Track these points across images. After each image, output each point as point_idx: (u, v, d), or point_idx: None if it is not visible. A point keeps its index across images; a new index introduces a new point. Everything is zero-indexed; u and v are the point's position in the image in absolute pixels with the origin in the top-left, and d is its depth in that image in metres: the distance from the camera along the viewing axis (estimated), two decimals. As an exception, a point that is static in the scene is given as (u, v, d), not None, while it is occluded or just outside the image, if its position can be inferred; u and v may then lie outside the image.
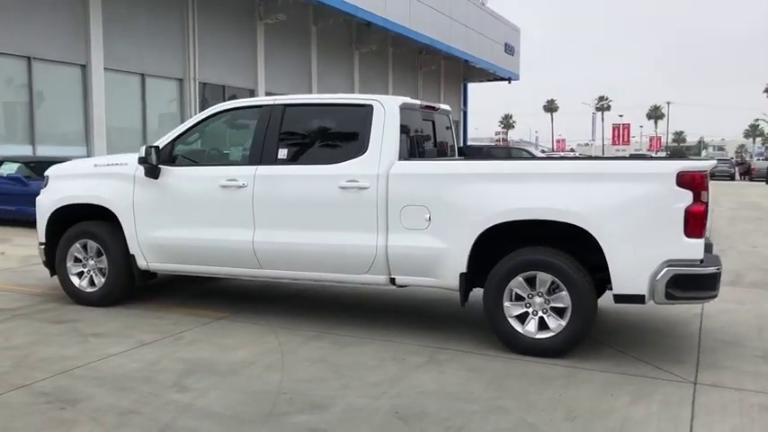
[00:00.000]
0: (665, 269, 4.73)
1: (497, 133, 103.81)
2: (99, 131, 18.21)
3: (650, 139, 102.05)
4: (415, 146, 5.95)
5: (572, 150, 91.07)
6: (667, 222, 4.75)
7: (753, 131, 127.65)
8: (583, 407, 4.14)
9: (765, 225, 14.69)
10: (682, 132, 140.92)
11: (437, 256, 5.30)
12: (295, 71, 26.23)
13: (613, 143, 73.48)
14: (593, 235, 4.85)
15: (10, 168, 13.64)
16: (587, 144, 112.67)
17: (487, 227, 5.10)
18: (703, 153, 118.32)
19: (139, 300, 6.74)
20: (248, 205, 5.82)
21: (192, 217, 6.05)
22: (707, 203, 4.77)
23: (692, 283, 4.77)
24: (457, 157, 6.92)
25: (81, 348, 5.25)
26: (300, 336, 5.60)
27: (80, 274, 6.61)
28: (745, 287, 7.75)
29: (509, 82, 41.22)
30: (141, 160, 6.03)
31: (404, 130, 5.66)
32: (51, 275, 6.87)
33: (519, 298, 5.14)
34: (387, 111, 5.60)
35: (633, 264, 4.81)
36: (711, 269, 4.80)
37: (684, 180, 4.70)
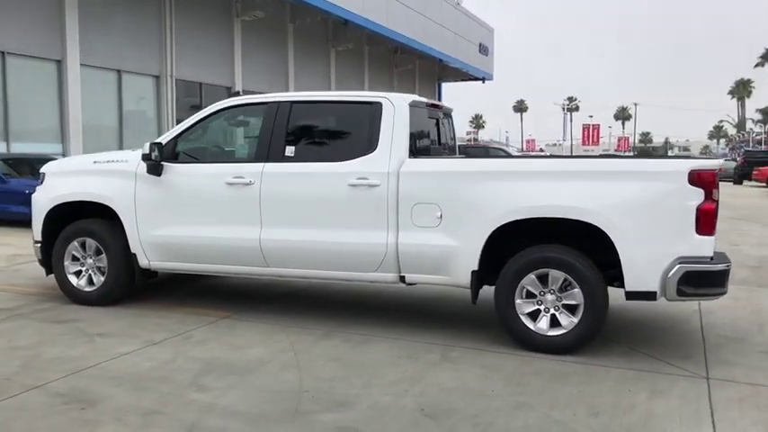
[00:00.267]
0: (677, 266, 4.81)
1: (468, 133, 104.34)
2: (75, 128, 17.88)
3: (618, 140, 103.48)
4: (423, 144, 5.95)
5: (541, 150, 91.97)
6: (679, 220, 4.82)
7: (717, 133, 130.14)
8: (604, 402, 4.18)
9: (741, 224, 15.00)
10: (648, 133, 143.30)
11: (448, 253, 5.31)
12: (272, 69, 26.08)
13: (583, 143, 74.40)
14: (606, 232, 4.91)
15: (-13, 166, 13.33)
16: (555, 144, 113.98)
17: (501, 224, 5.12)
18: (669, 153, 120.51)
19: (138, 299, 6.63)
20: (255, 203, 5.77)
21: (197, 215, 5.98)
22: (717, 201, 4.85)
23: (703, 280, 4.85)
24: (458, 154, 6.94)
25: (89, 348, 5.16)
26: (310, 334, 5.57)
27: (78, 273, 6.48)
28: (736, 284, 7.88)
29: (483, 82, 41.47)
30: (145, 157, 5.94)
31: (412, 128, 5.66)
32: (47, 274, 6.72)
33: (530, 295, 5.17)
34: (396, 108, 5.60)
35: (645, 261, 4.87)
36: (721, 266, 4.89)
37: (696, 178, 4.78)
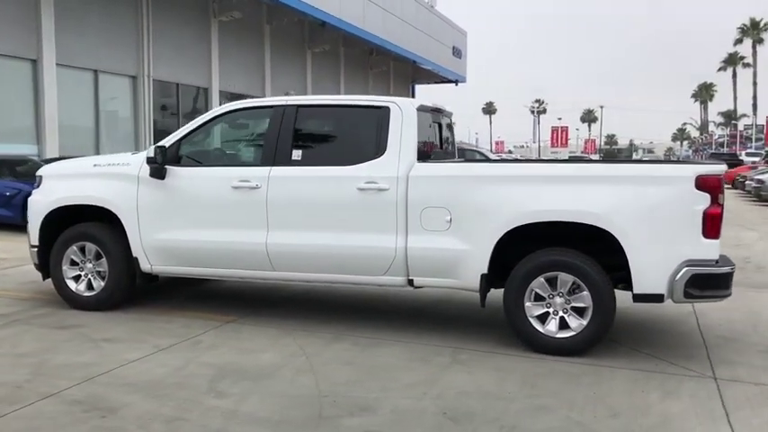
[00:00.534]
0: (685, 269, 4.92)
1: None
2: (51, 129, 17.56)
3: (585, 142, 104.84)
4: (428, 148, 5.99)
5: (510, 152, 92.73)
6: (686, 224, 4.93)
7: (680, 135, 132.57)
8: (620, 403, 4.26)
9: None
10: (614, 135, 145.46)
11: (458, 257, 5.35)
12: (249, 69, 25.93)
13: (552, 145, 75.03)
14: (616, 236, 4.99)
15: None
16: (523, 146, 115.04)
17: (511, 228, 5.18)
18: (634, 155, 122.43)
19: (138, 304, 6.56)
20: (262, 206, 5.75)
21: (202, 218, 5.94)
22: (723, 206, 4.97)
23: (709, 283, 4.97)
24: (457, 158, 7.00)
25: (97, 354, 5.09)
26: (319, 338, 5.57)
27: (77, 278, 6.39)
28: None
29: (456, 84, 41.73)
30: (150, 160, 5.88)
31: (419, 132, 5.69)
32: (44, 279, 6.62)
33: (539, 298, 5.24)
34: (404, 113, 5.63)
35: (654, 264, 4.97)
36: (726, 269, 5.01)
37: (703, 183, 4.89)
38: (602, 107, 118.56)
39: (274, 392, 4.37)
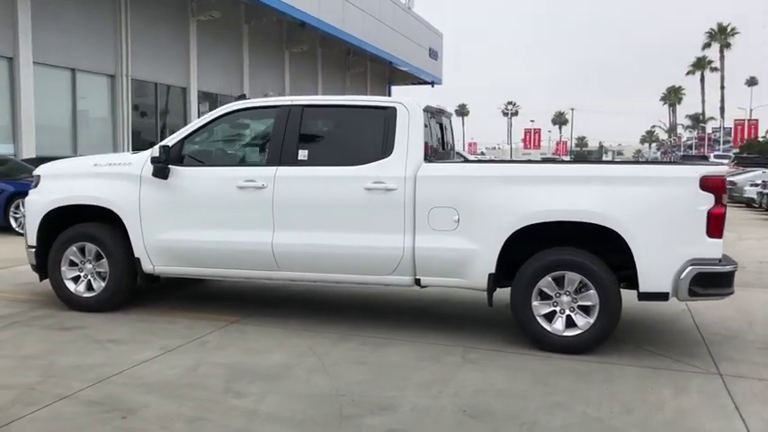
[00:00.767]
0: (689, 268, 5.02)
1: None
2: (27, 128, 17.26)
3: (556, 144, 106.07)
4: (433, 148, 6.02)
5: (482, 153, 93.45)
6: (691, 223, 5.04)
7: (649, 137, 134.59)
8: (633, 400, 4.34)
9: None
10: (584, 137, 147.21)
11: (466, 257, 5.40)
12: (227, 69, 25.76)
13: (525, 147, 76.10)
14: (622, 236, 5.08)
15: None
16: (495, 148, 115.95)
17: (519, 227, 5.24)
18: (604, 157, 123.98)
19: (137, 304, 6.50)
20: (268, 206, 5.73)
21: (206, 218, 5.90)
22: (726, 206, 5.09)
23: (713, 281, 5.08)
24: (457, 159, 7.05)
25: (105, 356, 5.04)
26: (325, 338, 5.57)
27: (76, 279, 6.31)
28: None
29: (432, 86, 41.90)
30: (155, 160, 5.83)
31: (425, 132, 5.74)
32: (41, 280, 6.52)
33: (546, 297, 5.31)
34: (411, 113, 5.66)
35: (659, 263, 5.07)
36: (729, 267, 5.13)
37: (707, 184, 5.01)
38: (572, 109, 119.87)
39: (291, 392, 4.37)
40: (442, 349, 5.34)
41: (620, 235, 5.09)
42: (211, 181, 5.93)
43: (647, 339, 5.73)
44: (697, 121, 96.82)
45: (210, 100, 25.11)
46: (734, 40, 70.97)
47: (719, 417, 4.10)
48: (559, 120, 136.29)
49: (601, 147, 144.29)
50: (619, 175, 5.27)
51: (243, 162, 6.43)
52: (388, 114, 5.68)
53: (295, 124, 5.83)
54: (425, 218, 5.47)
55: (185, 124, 23.57)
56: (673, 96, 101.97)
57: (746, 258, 10.41)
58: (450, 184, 5.47)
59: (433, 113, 6.21)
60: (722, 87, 69.07)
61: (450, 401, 4.26)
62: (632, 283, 5.29)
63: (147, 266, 6.10)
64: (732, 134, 61.00)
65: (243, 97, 6.29)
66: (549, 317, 5.31)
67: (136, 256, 6.08)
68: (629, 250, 5.10)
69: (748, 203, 23.71)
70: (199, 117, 23.42)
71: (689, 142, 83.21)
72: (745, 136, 56.58)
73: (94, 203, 6.14)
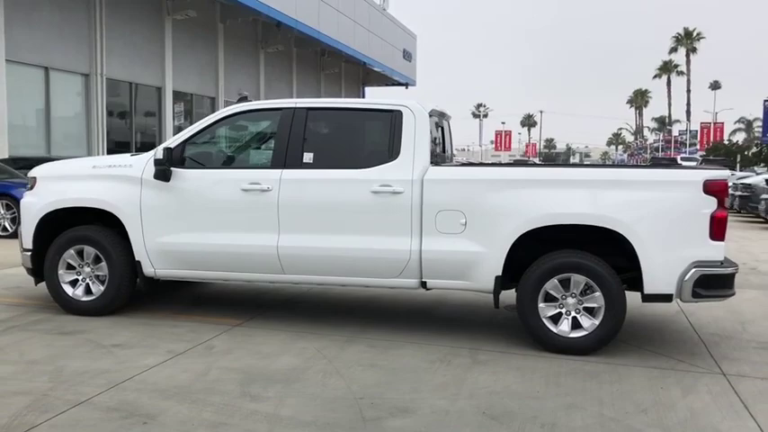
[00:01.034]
0: (693, 270, 5.13)
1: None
2: (0, 128, 16.91)
3: (526, 146, 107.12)
4: (436, 151, 6.06)
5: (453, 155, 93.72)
6: (695, 226, 5.15)
7: (615, 139, 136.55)
8: (645, 400, 4.42)
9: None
10: (552, 140, 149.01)
11: (472, 259, 5.44)
12: (202, 69, 25.53)
13: (496, 149, 76.72)
14: (628, 239, 5.17)
15: None
16: (465, 149, 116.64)
17: (527, 230, 5.30)
18: (571, 159, 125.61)
19: (136, 308, 6.42)
20: (273, 209, 5.71)
21: (209, 221, 5.85)
22: (728, 209, 5.21)
23: (716, 283, 5.20)
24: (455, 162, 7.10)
25: (112, 360, 4.97)
26: (333, 341, 5.57)
27: (73, 283, 6.21)
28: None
29: (406, 87, 42.00)
30: (158, 162, 5.77)
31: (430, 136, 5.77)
32: (36, 284, 6.41)
33: (551, 299, 5.38)
34: (417, 117, 5.69)
35: (664, 265, 5.17)
36: (731, 269, 5.25)
37: (710, 188, 5.12)
38: (541, 112, 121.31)
39: (309, 395, 4.36)
40: (449, 351, 5.38)
41: (625, 238, 5.18)
42: (215, 183, 5.88)
43: (648, 340, 5.83)
44: (663, 123, 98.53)
45: (185, 100, 24.87)
46: (700, 45, 72.44)
47: (730, 416, 4.20)
48: (528, 122, 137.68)
49: (568, 149, 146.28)
50: (625, 179, 5.35)
51: (247, 165, 6.38)
52: (394, 117, 5.70)
53: (300, 127, 5.81)
54: (432, 221, 5.50)
55: (160, 124, 23.32)
56: (639, 99, 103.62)
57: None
58: (458, 188, 5.50)
59: (437, 116, 6.24)
60: (688, 91, 70.49)
61: (467, 403, 4.29)
62: (635, 284, 5.39)
63: (147, 270, 6.03)
64: (698, 137, 62.25)
65: (244, 99, 6.26)
66: (555, 319, 5.38)
67: (137, 259, 6.01)
68: (634, 253, 5.19)
69: None
70: (174, 117, 23.36)
71: (655, 144, 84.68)
72: (711, 139, 57.82)
73: (95, 206, 6.05)
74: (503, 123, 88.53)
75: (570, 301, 5.35)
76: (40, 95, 18.63)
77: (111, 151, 20.33)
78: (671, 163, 41.47)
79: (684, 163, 45.42)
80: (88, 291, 6.19)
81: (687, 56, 72.57)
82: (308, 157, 5.77)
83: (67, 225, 6.28)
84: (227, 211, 5.84)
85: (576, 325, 5.34)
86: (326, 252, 5.67)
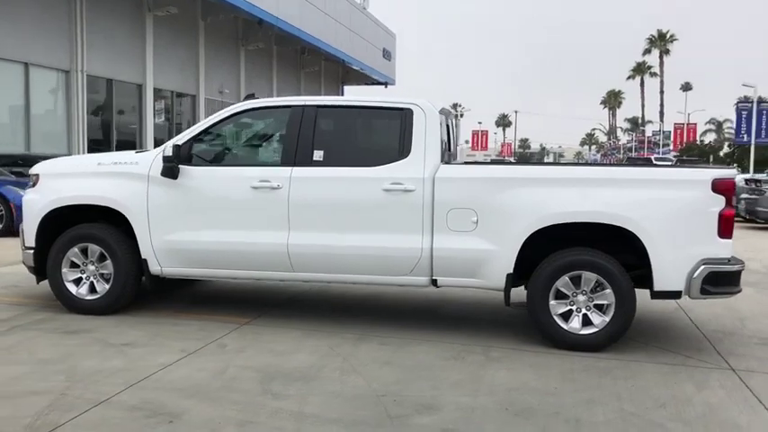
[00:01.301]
0: (702, 267, 5.22)
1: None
2: (-21, 124, 16.61)
3: (502, 146, 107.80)
4: (445, 149, 6.08)
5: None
6: (704, 224, 5.23)
7: (589, 140, 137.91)
8: (662, 395, 4.48)
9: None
10: (527, 140, 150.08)
11: (484, 257, 5.47)
12: (183, 66, 25.28)
13: (473, 148, 77.08)
14: (639, 236, 5.24)
15: None
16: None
17: (538, 228, 5.34)
18: (545, 159, 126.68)
19: (139, 307, 6.35)
20: (283, 207, 5.69)
21: (219, 219, 5.81)
22: (735, 207, 5.30)
23: (723, 280, 5.29)
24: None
25: (125, 359, 4.91)
26: (344, 338, 5.56)
27: (77, 281, 6.12)
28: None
29: (386, 86, 42.01)
30: (168, 159, 5.71)
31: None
32: (38, 282, 6.31)
33: (562, 296, 5.43)
34: (427, 115, 5.71)
35: (674, 262, 5.25)
36: (738, 266, 5.35)
37: (719, 186, 5.21)
38: (516, 112, 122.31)
39: (330, 393, 4.36)
40: (462, 348, 5.40)
41: (636, 235, 5.25)
42: (224, 181, 5.84)
43: (654, 337, 5.91)
44: (636, 124, 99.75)
45: (166, 97, 24.62)
46: (673, 47, 73.48)
47: (747, 410, 4.27)
48: (503, 122, 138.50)
49: (543, 149, 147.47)
50: (635, 178, 5.42)
51: (256, 162, 6.33)
52: (405, 116, 5.71)
53: (309, 125, 5.79)
54: (444, 219, 5.52)
55: (141, 122, 23.07)
56: (613, 100, 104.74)
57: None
58: (469, 186, 5.53)
59: (444, 115, 6.26)
60: (662, 92, 71.49)
61: (489, 400, 4.32)
62: (642, 281, 5.46)
63: (154, 268, 5.96)
64: (671, 137, 63.15)
65: (252, 96, 6.20)
66: (566, 316, 5.43)
67: (143, 257, 5.94)
68: (644, 250, 5.26)
69: None
70: (154, 115, 23.11)
71: (629, 145, 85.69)
72: (685, 139, 58.70)
73: (100, 203, 5.97)
74: (479, 123, 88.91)
75: (581, 298, 5.40)
76: (19, 92, 18.31)
77: (91, 149, 20.05)
78: (646, 162, 42.06)
79: (659, 163, 46.21)
80: (92, 289, 6.10)
81: (660, 57, 73.60)
82: (318, 154, 5.75)
83: (69, 223, 6.18)
84: (237, 208, 5.80)
85: (586, 322, 5.39)
86: (337, 250, 5.66)
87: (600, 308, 5.38)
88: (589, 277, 5.36)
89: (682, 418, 4.10)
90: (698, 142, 56.49)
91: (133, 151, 6.38)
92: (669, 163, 43.75)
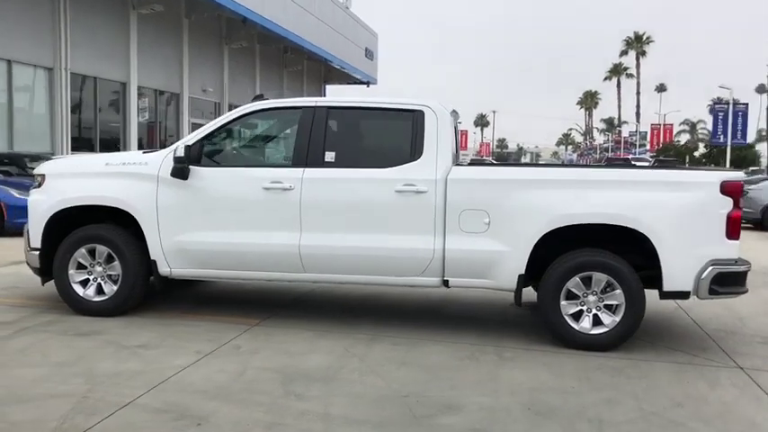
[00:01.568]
0: (710, 267, 5.31)
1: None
2: (-38, 122, 16.32)
3: (480, 146, 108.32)
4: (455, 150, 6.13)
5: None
6: (712, 226, 5.33)
7: (565, 140, 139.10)
8: (677, 394, 4.56)
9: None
10: (504, 139, 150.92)
11: (496, 258, 5.52)
12: (167, 64, 25.03)
13: (452, 148, 77.15)
14: (649, 238, 5.32)
15: None
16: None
17: (550, 229, 5.41)
18: (523, 159, 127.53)
19: (145, 309, 6.31)
20: (295, 208, 5.69)
21: (229, 220, 5.79)
22: (742, 209, 5.41)
23: (730, 280, 5.39)
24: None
25: (141, 362, 4.89)
26: (356, 339, 5.58)
27: (84, 282, 6.06)
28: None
29: (368, 86, 41.98)
30: (179, 160, 5.68)
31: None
32: (43, 284, 6.25)
33: (573, 296, 5.50)
34: (439, 116, 5.75)
35: (683, 263, 5.34)
36: (744, 267, 5.46)
37: (727, 188, 5.31)
38: (494, 112, 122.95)
39: (353, 394, 4.37)
40: (474, 348, 5.45)
41: (646, 236, 5.33)
42: (235, 182, 5.82)
43: (659, 336, 6.00)
44: (611, 124, 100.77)
45: (151, 96, 24.40)
46: (649, 48, 74.36)
47: (763, 408, 4.37)
48: (481, 122, 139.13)
49: (520, 149, 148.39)
50: (646, 180, 5.50)
51: (267, 163, 6.34)
52: (416, 117, 5.74)
53: (320, 126, 5.80)
54: (456, 220, 5.56)
55: (125, 121, 22.80)
56: (589, 101, 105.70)
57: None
58: (482, 187, 5.58)
59: (452, 116, 6.30)
60: (638, 93, 72.37)
61: (511, 400, 4.36)
62: (650, 282, 5.55)
63: (163, 269, 5.93)
64: (648, 138, 63.93)
65: (260, 97, 6.19)
66: (576, 316, 5.50)
67: (152, 258, 5.90)
68: (654, 251, 5.34)
69: None
70: (138, 113, 22.88)
71: (605, 145, 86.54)
72: (661, 140, 59.49)
73: (109, 204, 5.92)
74: (459, 123, 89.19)
75: (591, 298, 5.47)
76: (1, 89, 18.01)
77: (74, 148, 19.81)
78: (625, 163, 42.54)
79: (636, 163, 46.77)
80: (99, 291, 6.05)
81: (637, 59, 74.47)
82: (329, 155, 5.76)
83: (75, 224, 6.12)
84: (248, 209, 5.79)
85: (596, 322, 5.47)
86: (349, 251, 5.68)
87: (610, 308, 5.46)
88: (600, 278, 5.43)
89: (700, 416, 4.18)
90: (674, 142, 57.25)
91: (140, 151, 6.33)
92: (647, 164, 44.41)
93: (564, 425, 4.00)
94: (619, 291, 5.40)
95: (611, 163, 43.08)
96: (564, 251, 5.56)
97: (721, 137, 37.84)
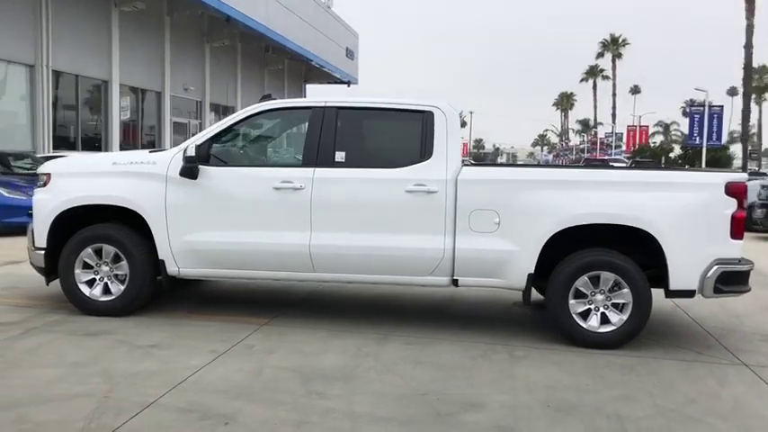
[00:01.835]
0: (715, 267, 5.43)
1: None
2: (-58, 120, 16.03)
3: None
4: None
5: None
6: (717, 226, 5.45)
7: (541, 141, 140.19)
8: (689, 390, 4.65)
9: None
10: (481, 140, 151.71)
11: (505, 258, 5.58)
12: (149, 62, 24.81)
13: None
14: (656, 237, 5.42)
15: None
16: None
17: (560, 229, 5.48)
18: (500, 159, 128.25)
19: (152, 308, 6.27)
20: (306, 208, 5.70)
21: (239, 219, 5.78)
22: (746, 209, 5.54)
23: (735, 279, 5.51)
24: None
25: (156, 361, 4.87)
26: (368, 338, 5.61)
27: (90, 282, 6.01)
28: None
29: (348, 86, 42.00)
30: (190, 159, 5.66)
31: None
32: (48, 284, 6.18)
33: (580, 295, 5.58)
34: (448, 117, 5.80)
35: (689, 263, 5.45)
36: (748, 266, 5.58)
37: (732, 189, 5.43)
38: (471, 113, 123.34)
39: (374, 392, 4.40)
40: (486, 347, 5.50)
41: (653, 236, 5.43)
42: (245, 181, 5.82)
43: (663, 334, 6.11)
44: (586, 125, 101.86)
45: (132, 94, 24.16)
46: (625, 51, 75.17)
47: (771, 403, 4.49)
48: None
49: (496, 149, 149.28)
50: (654, 181, 5.60)
51: (277, 163, 6.33)
52: (426, 118, 5.79)
53: (330, 126, 5.81)
54: (466, 220, 5.61)
55: (106, 119, 22.58)
56: (565, 102, 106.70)
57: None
58: (492, 188, 5.64)
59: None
60: (614, 95, 73.06)
61: (530, 397, 4.42)
62: (655, 281, 5.65)
63: (171, 269, 5.91)
64: (624, 139, 64.72)
65: (268, 97, 6.19)
66: (584, 315, 5.58)
67: (160, 257, 5.87)
68: (661, 251, 5.44)
69: None
70: (120, 112, 22.62)
71: (581, 146, 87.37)
72: (637, 141, 60.28)
73: (117, 204, 5.87)
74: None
75: (599, 297, 5.56)
76: (-18, 86, 17.75)
77: (56, 146, 19.55)
78: (603, 163, 43.01)
79: (614, 164, 47.33)
80: (106, 290, 6.00)
81: (613, 61, 75.19)
82: (339, 156, 5.78)
83: (81, 224, 6.07)
84: (258, 209, 5.78)
85: (604, 320, 5.56)
86: (359, 250, 5.70)
87: (617, 306, 5.55)
88: (608, 277, 5.52)
89: (715, 412, 4.28)
90: (650, 144, 58.02)
91: (147, 151, 6.29)
92: (623, 164, 44.96)
93: (585, 421, 4.07)
94: (626, 290, 5.49)
95: (590, 164, 43.57)
96: (572, 251, 5.64)
97: (697, 138, 38.42)
